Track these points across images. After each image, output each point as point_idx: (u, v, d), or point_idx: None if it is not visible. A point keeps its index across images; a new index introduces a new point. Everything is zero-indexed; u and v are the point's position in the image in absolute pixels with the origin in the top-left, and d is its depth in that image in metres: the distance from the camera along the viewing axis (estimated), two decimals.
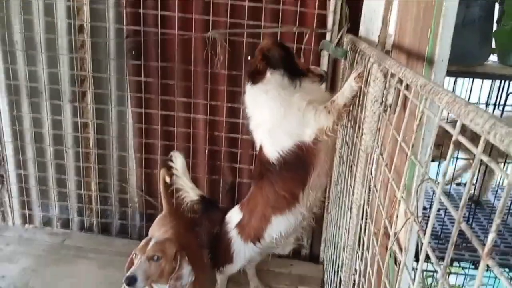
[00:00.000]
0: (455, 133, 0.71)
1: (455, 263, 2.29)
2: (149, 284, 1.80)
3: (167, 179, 2.55)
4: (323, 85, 2.32)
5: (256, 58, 2.10)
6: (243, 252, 2.41)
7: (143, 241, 1.85)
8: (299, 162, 2.02)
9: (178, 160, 2.56)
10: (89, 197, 3.30)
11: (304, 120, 1.93)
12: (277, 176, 2.11)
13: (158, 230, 2.37)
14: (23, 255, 2.95)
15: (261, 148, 2.14)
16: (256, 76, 2.05)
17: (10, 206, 3.34)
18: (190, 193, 2.58)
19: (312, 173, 2.06)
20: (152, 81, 2.92)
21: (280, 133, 2.00)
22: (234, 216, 2.44)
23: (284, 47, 2.13)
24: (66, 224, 3.37)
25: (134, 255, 1.82)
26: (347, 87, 1.79)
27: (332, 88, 2.75)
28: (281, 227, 2.24)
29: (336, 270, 2.11)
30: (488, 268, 0.60)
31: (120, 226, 3.35)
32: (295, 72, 2.05)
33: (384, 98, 1.25)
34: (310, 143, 1.96)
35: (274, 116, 2.00)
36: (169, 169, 2.58)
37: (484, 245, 0.56)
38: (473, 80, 2.08)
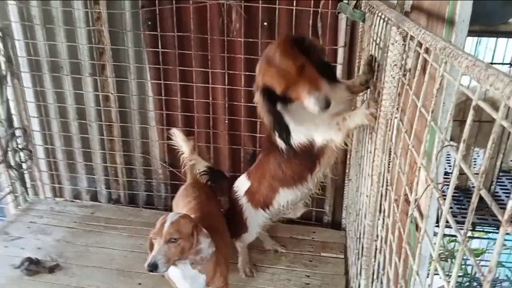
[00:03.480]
0: (475, 97, 0.68)
1: (479, 227, 2.27)
2: (172, 263, 1.83)
3: (191, 143, 2.56)
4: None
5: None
6: (255, 218, 2.47)
7: (159, 223, 1.83)
8: (308, 154, 2.05)
9: (178, 136, 2.60)
10: (115, 170, 3.38)
11: (317, 130, 1.94)
12: (285, 160, 2.15)
13: (182, 201, 2.41)
14: (56, 227, 3.07)
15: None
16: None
17: (40, 180, 3.46)
18: (197, 165, 2.63)
19: (321, 162, 2.10)
20: (169, 52, 2.91)
21: (294, 129, 1.97)
22: (242, 184, 2.50)
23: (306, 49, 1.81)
24: (94, 196, 3.48)
25: (153, 238, 1.82)
26: (359, 115, 1.76)
27: (351, 50, 2.70)
28: (288, 197, 2.33)
29: (358, 236, 2.13)
30: None
31: (146, 197, 3.43)
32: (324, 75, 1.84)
33: (403, 62, 1.21)
34: (321, 145, 1.99)
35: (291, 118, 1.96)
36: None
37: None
38: (496, 40, 1.99)
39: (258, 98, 1.88)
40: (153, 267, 1.75)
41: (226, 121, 3.04)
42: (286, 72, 1.71)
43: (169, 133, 2.68)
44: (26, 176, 3.47)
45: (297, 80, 1.71)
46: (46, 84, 3.16)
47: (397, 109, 1.28)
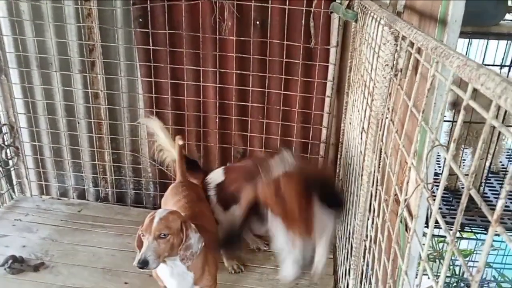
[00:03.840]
0: (466, 97, 0.68)
1: (467, 228, 2.29)
2: (162, 260, 1.82)
3: (180, 142, 2.54)
4: None
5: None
6: (219, 211, 2.52)
7: (147, 219, 1.83)
8: None
9: (153, 123, 2.64)
10: (103, 168, 3.34)
11: (278, 232, 1.97)
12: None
13: (171, 199, 2.39)
14: (42, 225, 3.04)
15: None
16: None
17: (26, 177, 3.41)
18: (171, 152, 2.64)
19: None
20: (160, 50, 2.88)
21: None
22: (215, 176, 2.56)
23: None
24: (82, 194, 3.44)
25: (142, 234, 1.82)
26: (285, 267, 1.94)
27: (343, 50, 2.71)
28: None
29: (347, 236, 2.13)
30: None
31: (135, 195, 3.40)
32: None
33: (395, 62, 1.21)
34: None
35: None
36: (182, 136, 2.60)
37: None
38: (487, 41, 2.00)
39: (247, 202, 1.95)
40: (144, 263, 1.74)
41: (217, 120, 3.02)
42: (289, 211, 1.81)
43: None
44: (13, 173, 3.41)
45: (295, 219, 1.82)
46: (35, 81, 3.11)
47: (388, 109, 1.28)
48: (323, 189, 1.90)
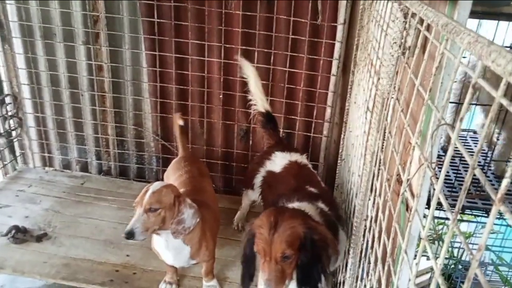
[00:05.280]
0: (475, 76, 0.67)
1: (468, 211, 2.29)
2: (151, 232, 1.83)
3: (181, 122, 2.55)
4: None
5: None
6: (256, 191, 2.48)
7: (142, 192, 1.83)
8: None
9: (247, 68, 2.55)
10: (106, 141, 3.34)
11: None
12: None
13: (173, 175, 2.40)
14: (45, 197, 3.06)
15: None
16: None
17: (30, 148, 3.41)
18: (259, 104, 2.61)
19: None
20: (165, 22, 2.84)
21: None
22: (278, 161, 2.37)
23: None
24: (84, 167, 3.45)
25: (134, 206, 1.83)
26: None
27: (350, 28, 2.66)
28: None
29: (348, 215, 2.13)
30: (500, 216, 0.58)
31: (137, 170, 3.41)
32: None
33: (403, 40, 1.19)
34: None
35: None
36: (182, 113, 2.60)
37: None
38: (498, 23, 1.96)
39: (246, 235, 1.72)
40: (130, 235, 1.76)
41: (221, 96, 3.00)
42: (271, 256, 1.57)
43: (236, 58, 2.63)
44: (16, 144, 3.42)
45: (269, 266, 1.57)
46: (38, 51, 3.08)
47: (394, 88, 1.26)
48: (315, 255, 1.59)
